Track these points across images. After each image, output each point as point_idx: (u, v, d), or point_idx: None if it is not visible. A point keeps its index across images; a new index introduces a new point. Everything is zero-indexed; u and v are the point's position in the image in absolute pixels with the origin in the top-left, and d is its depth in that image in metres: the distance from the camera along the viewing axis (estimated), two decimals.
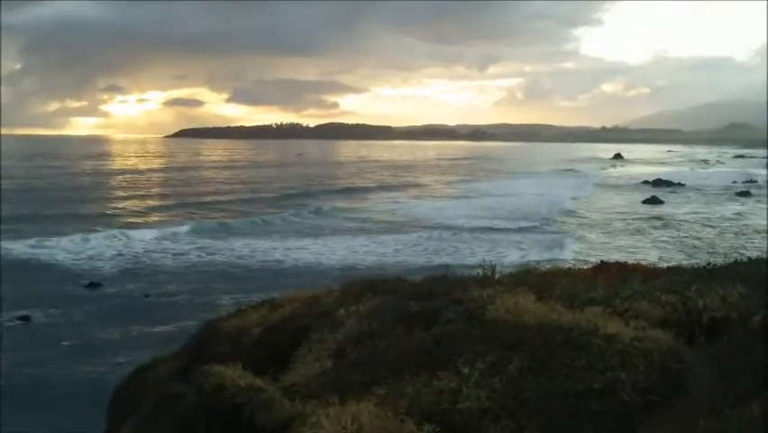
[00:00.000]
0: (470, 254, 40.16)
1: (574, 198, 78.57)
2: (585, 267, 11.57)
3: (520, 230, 53.38)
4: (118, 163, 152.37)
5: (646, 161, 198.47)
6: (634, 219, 60.67)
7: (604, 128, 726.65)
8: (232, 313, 12.85)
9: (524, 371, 6.44)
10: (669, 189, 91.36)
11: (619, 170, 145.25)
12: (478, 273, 10.75)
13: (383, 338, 7.89)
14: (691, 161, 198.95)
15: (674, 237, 50.59)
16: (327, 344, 8.78)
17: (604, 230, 54.24)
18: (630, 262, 12.83)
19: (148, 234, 47.29)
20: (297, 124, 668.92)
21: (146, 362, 13.04)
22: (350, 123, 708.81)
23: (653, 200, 74.68)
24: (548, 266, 12.25)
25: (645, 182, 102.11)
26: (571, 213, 65.02)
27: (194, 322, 16.98)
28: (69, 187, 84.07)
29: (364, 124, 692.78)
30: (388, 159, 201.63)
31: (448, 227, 54.12)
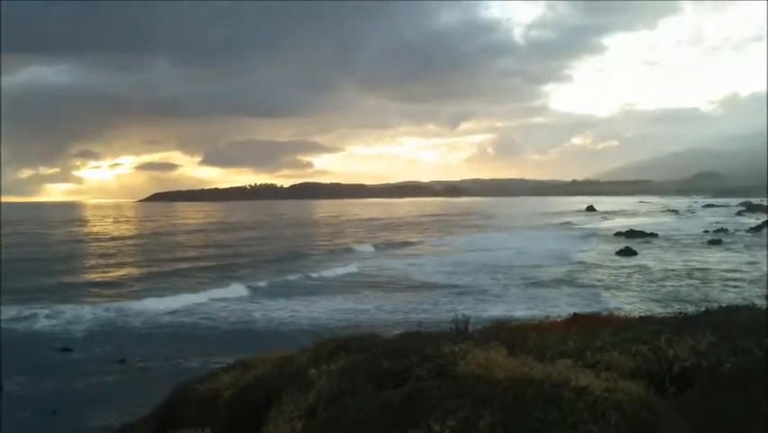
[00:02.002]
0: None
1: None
2: (557, 320, 11.54)
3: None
4: (93, 230, 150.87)
5: (619, 212, 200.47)
6: (607, 270, 61.07)
7: (575, 181, 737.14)
8: (204, 376, 12.69)
9: (495, 426, 6.37)
10: (641, 240, 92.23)
11: (603, 223, 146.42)
12: (451, 328, 10.72)
13: (354, 397, 7.79)
14: (662, 211, 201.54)
15: (647, 287, 50.88)
16: (298, 404, 8.65)
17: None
18: (603, 313, 12.87)
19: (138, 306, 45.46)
20: (272, 184, 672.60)
21: (116, 428, 12.83)
22: (324, 182, 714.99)
23: (627, 251, 75.23)
24: (519, 320, 12.24)
25: (618, 234, 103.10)
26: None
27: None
28: (49, 256, 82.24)
29: (339, 183, 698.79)
30: (371, 217, 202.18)
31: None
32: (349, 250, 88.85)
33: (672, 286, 51.12)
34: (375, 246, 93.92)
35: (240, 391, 10.51)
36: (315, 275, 60.75)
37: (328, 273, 61.74)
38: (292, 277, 58.93)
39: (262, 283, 54.74)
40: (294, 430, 7.79)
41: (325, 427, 7.25)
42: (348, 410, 7.45)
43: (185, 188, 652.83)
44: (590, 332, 9.67)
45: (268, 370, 11.10)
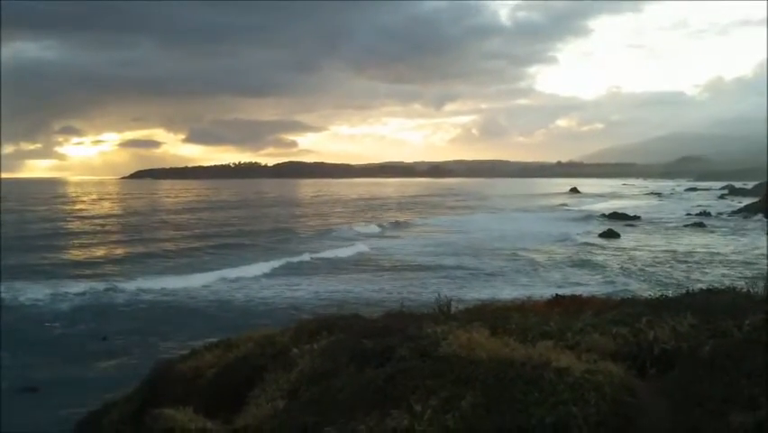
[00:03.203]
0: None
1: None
2: (540, 300, 11.59)
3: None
4: (77, 207, 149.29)
5: (603, 195, 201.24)
6: (591, 252, 61.43)
7: (560, 163, 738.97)
8: (186, 354, 12.65)
9: (476, 406, 6.40)
10: (624, 223, 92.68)
11: (586, 205, 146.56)
12: (434, 309, 10.74)
13: (336, 377, 7.81)
14: (646, 194, 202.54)
15: (630, 269, 51.23)
16: (281, 384, 8.67)
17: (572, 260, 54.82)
18: (584, 295, 12.93)
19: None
20: (256, 163, 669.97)
21: (98, 407, 12.77)
22: (309, 161, 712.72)
23: (610, 234, 75.62)
24: (502, 301, 12.29)
25: (602, 215, 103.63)
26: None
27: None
28: (33, 234, 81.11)
29: (323, 163, 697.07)
30: (360, 196, 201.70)
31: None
32: (349, 230, 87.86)
33: (653, 268, 51.51)
34: (378, 226, 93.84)
35: (222, 370, 10.50)
36: (324, 255, 60.39)
37: (331, 254, 61.15)
38: (301, 258, 58.24)
39: (277, 263, 54.63)
40: (276, 410, 7.80)
41: (307, 406, 7.26)
42: (330, 390, 7.47)
43: (168, 166, 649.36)
44: (572, 313, 9.71)
45: (250, 349, 11.08)
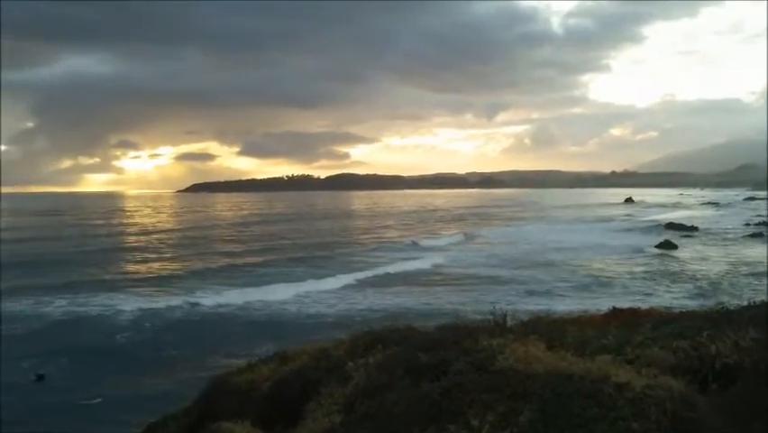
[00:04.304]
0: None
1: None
2: (597, 313, 11.43)
3: None
4: (138, 221, 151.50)
5: (658, 205, 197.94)
6: (647, 263, 60.53)
7: (614, 172, 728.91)
8: (242, 367, 12.76)
9: (534, 422, 6.33)
10: (682, 233, 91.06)
11: (642, 215, 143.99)
12: (489, 322, 10.66)
13: (391, 391, 7.79)
14: (703, 204, 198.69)
15: (688, 281, 50.31)
16: (336, 398, 8.68)
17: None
18: (642, 307, 12.71)
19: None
20: (309, 175, 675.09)
21: (156, 419, 12.97)
22: (361, 173, 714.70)
23: (667, 244, 74.40)
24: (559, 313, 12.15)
25: (657, 226, 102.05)
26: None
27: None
28: (96, 248, 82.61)
29: (375, 174, 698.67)
30: (414, 208, 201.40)
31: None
32: (414, 243, 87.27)
33: (712, 279, 50.51)
34: (434, 239, 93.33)
35: (277, 383, 10.55)
36: (385, 270, 60.05)
37: (393, 268, 60.73)
38: (366, 273, 58.17)
39: (362, 275, 55.06)
40: (333, 424, 7.81)
41: (363, 420, 7.26)
42: (385, 404, 7.45)
43: (223, 179, 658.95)
44: (630, 327, 9.56)
45: (305, 362, 11.12)
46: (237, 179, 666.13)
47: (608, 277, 53.32)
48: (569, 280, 51.83)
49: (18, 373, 28.20)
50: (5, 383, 26.80)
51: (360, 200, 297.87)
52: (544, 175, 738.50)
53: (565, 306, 35.93)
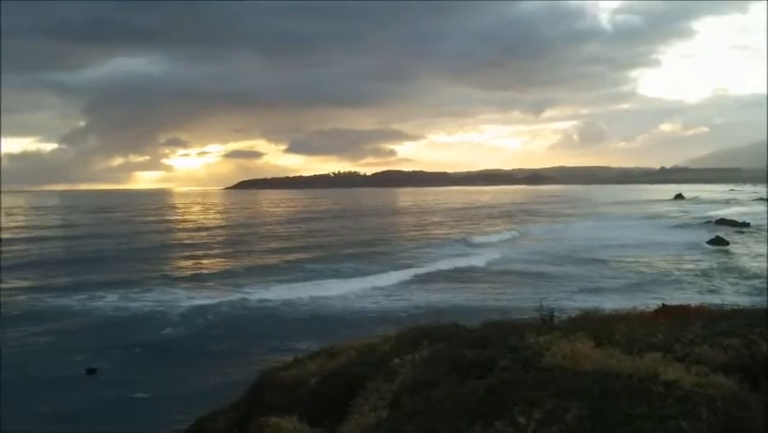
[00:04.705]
0: None
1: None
2: (646, 310, 11.29)
3: None
4: (189, 217, 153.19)
5: (709, 201, 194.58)
6: (699, 260, 59.65)
7: (663, 168, 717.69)
8: (289, 363, 12.87)
9: (582, 420, 6.27)
10: (734, 229, 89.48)
11: (693, 211, 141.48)
12: (535, 319, 10.60)
13: (437, 387, 7.79)
14: (755, 199, 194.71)
15: (741, 279, 49.42)
16: (383, 393, 8.70)
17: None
18: (693, 304, 12.53)
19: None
20: (355, 172, 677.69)
21: (205, 413, 13.13)
22: (407, 170, 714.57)
23: (719, 241, 73.18)
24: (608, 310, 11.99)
25: (709, 222, 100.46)
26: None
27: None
28: (147, 245, 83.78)
29: (421, 171, 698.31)
30: (460, 204, 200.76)
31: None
32: (461, 240, 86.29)
33: (764, 277, 49.52)
34: (482, 235, 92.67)
35: (324, 379, 10.63)
36: (441, 265, 59.84)
37: (448, 264, 60.51)
38: (424, 267, 58.40)
39: (408, 272, 55.11)
40: (379, 420, 7.83)
41: (409, 416, 7.27)
42: (431, 401, 7.45)
43: (270, 176, 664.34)
44: (679, 324, 9.43)
45: (352, 358, 11.19)
46: (284, 176, 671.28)
47: (657, 273, 52.64)
48: (618, 277, 51.30)
49: (70, 367, 28.78)
50: (58, 377, 27.42)
51: (405, 197, 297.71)
52: (591, 171, 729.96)
53: (614, 303, 35.51)
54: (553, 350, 7.99)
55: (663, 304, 12.23)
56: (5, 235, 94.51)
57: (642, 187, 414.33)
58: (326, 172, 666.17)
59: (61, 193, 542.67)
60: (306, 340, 29.21)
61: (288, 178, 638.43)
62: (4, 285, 49.95)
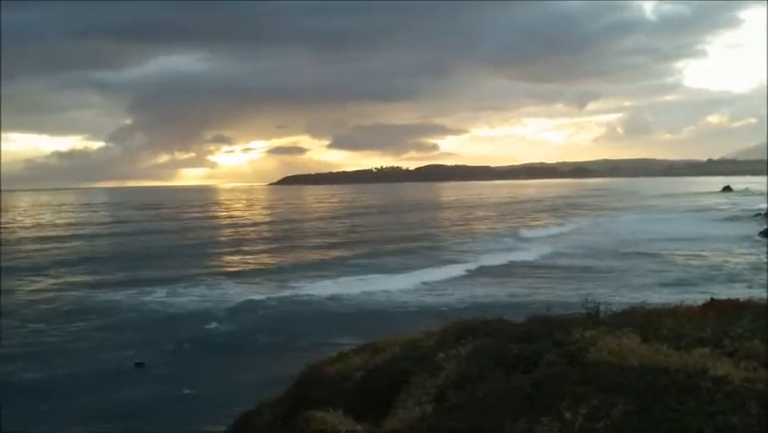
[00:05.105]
0: None
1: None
2: (694, 304, 11.12)
3: None
4: (236, 213, 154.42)
5: (758, 192, 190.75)
6: (748, 253, 58.63)
7: (710, 160, 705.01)
8: (333, 357, 12.92)
9: (628, 415, 6.23)
10: None
11: (742, 204, 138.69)
12: (581, 313, 10.51)
13: (482, 382, 7.79)
14: None
15: None
16: (427, 388, 8.72)
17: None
18: (742, 298, 12.32)
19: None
20: (398, 167, 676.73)
21: (251, 407, 13.24)
22: (449, 164, 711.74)
23: None
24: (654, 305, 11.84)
25: (759, 215, 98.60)
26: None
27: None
28: (196, 241, 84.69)
29: (464, 165, 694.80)
30: (504, 198, 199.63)
31: None
32: (504, 235, 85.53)
33: None
34: (527, 229, 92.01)
35: (369, 374, 10.67)
36: (504, 259, 59.55)
37: (493, 259, 60.00)
38: (484, 261, 58.28)
39: (464, 266, 55.16)
40: (423, 414, 7.85)
41: (454, 411, 7.28)
42: (476, 395, 7.46)
43: (314, 172, 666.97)
44: (729, 318, 9.28)
45: (396, 353, 11.21)
46: (327, 171, 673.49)
47: (706, 267, 51.83)
48: (666, 271, 50.61)
49: (119, 361, 29.25)
50: (107, 370, 27.90)
51: (449, 191, 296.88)
52: (637, 164, 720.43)
53: (661, 297, 35.06)
54: (599, 345, 7.94)
55: (712, 298, 12.05)
56: (57, 233, 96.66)
57: (688, 179, 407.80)
58: (369, 168, 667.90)
59: (109, 190, 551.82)
60: (351, 335, 29.22)
61: (331, 173, 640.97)
62: (56, 281, 51.11)
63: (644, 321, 9.39)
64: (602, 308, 10.63)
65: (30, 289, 47.83)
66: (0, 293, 43.24)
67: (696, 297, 13.43)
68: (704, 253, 59.32)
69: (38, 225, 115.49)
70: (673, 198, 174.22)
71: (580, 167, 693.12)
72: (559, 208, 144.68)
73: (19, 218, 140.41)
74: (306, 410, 9.17)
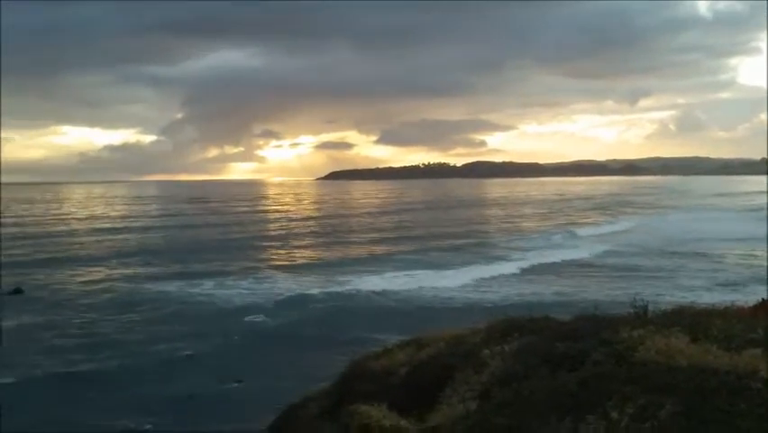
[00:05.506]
0: None
1: None
2: (745, 305, 10.93)
3: None
4: (286, 208, 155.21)
5: None
6: None
7: (765, 159, 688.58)
8: (379, 352, 12.96)
9: (676, 416, 6.15)
10: None
11: None
12: (629, 312, 10.40)
13: (528, 380, 7.75)
14: None
15: None
16: (472, 385, 8.71)
17: None
18: None
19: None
20: (445, 163, 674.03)
21: (297, 400, 13.34)
22: (497, 161, 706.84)
23: None
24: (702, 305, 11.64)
25: None
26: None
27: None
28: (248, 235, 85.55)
29: (512, 162, 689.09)
30: (553, 196, 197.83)
31: None
32: (552, 233, 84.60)
33: None
34: (577, 227, 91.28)
35: (413, 369, 10.69)
36: (532, 258, 59.03)
37: (541, 257, 59.60)
38: (531, 259, 58.10)
39: (501, 265, 55.07)
40: (468, 411, 7.85)
41: (499, 408, 7.26)
42: (522, 393, 7.43)
43: (361, 167, 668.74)
44: None
45: (441, 349, 11.21)
46: (374, 167, 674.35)
47: (760, 267, 50.75)
48: (717, 271, 49.78)
49: (170, 352, 29.71)
50: (160, 361, 28.40)
51: (496, 188, 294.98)
52: (689, 162, 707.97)
53: (711, 297, 34.45)
54: (647, 344, 7.86)
55: (763, 299, 11.83)
56: (110, 225, 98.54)
57: (742, 178, 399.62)
58: (416, 163, 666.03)
59: (160, 183, 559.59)
60: (396, 330, 29.22)
61: (377, 169, 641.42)
62: (110, 272, 52.16)
63: (693, 321, 9.26)
64: (650, 307, 10.51)
65: (83, 279, 48.85)
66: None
67: (747, 298, 13.19)
68: (756, 253, 58.12)
69: (91, 217, 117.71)
70: (728, 198, 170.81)
71: (630, 164, 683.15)
72: (609, 206, 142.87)
73: (73, 210, 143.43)
74: (351, 404, 9.23)
